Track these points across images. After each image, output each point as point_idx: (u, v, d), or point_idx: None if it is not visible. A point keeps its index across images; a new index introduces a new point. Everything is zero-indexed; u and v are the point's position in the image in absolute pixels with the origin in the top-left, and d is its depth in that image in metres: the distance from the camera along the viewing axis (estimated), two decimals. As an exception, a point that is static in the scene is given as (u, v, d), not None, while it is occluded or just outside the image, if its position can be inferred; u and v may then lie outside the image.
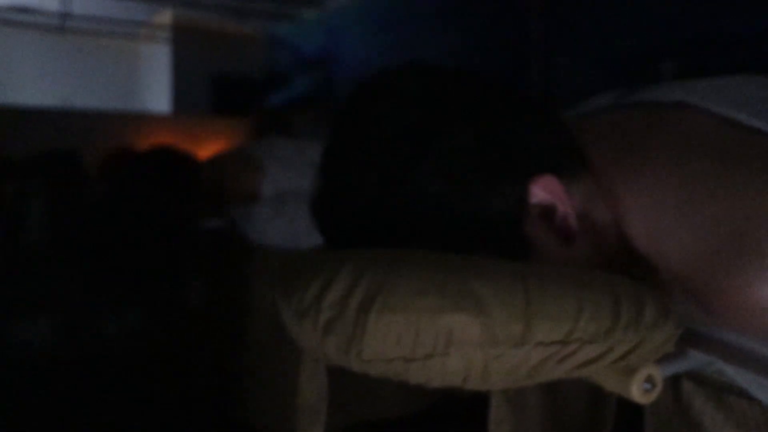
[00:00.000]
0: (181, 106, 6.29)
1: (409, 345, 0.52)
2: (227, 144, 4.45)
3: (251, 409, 2.32)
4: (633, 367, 0.56)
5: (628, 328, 0.54)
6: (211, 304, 2.66)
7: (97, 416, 2.51)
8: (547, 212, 0.64)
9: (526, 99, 0.69)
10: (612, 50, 2.82)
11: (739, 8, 2.31)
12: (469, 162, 0.62)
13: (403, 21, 4.32)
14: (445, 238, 0.62)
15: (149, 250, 2.41)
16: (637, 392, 0.56)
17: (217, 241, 2.43)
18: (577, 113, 0.82)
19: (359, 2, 4.92)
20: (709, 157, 0.65)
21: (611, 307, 0.54)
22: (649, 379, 0.57)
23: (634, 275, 0.67)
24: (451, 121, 0.63)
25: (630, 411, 0.75)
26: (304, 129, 3.50)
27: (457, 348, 0.52)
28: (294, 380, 0.70)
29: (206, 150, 3.96)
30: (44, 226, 3.21)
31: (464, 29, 3.74)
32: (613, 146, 0.71)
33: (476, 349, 0.52)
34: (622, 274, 0.61)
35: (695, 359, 0.61)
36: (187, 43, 6.35)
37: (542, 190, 0.64)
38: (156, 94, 6.82)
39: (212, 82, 6.36)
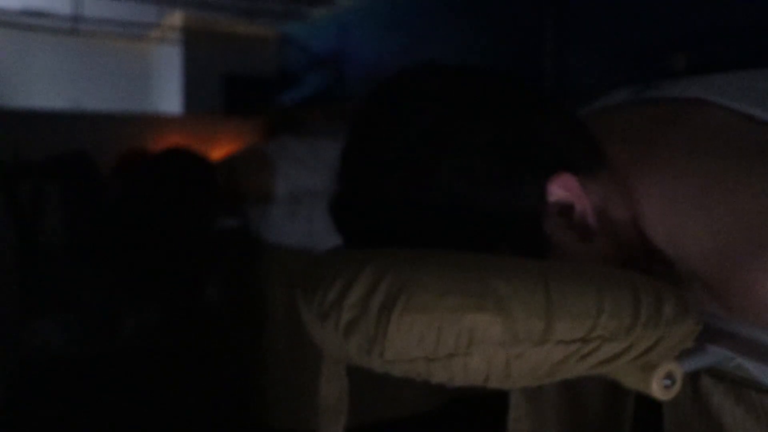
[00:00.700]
0: (192, 106, 6.30)
1: (431, 345, 0.52)
2: (240, 144, 4.45)
3: (270, 408, 2.32)
4: (653, 363, 0.56)
5: (648, 325, 0.54)
6: (228, 303, 2.67)
7: (114, 415, 2.53)
8: (566, 210, 0.65)
9: (543, 96, 0.69)
10: (623, 44, 2.81)
11: (750, 1, 2.30)
12: (488, 161, 0.62)
13: (413, 19, 4.32)
14: (465, 237, 0.62)
15: (165, 250, 2.42)
16: (658, 389, 0.56)
17: (232, 240, 2.44)
18: (593, 110, 0.82)
19: (370, 2, 4.92)
20: (725, 153, 0.65)
21: (631, 304, 0.54)
22: (669, 376, 0.57)
23: (653, 271, 0.67)
24: (470, 121, 0.63)
25: (648, 407, 0.75)
26: (316, 128, 3.49)
27: (479, 347, 0.52)
28: (312, 379, 0.70)
29: (219, 150, 3.97)
30: (60, 227, 3.24)
31: (475, 26, 3.73)
32: (630, 143, 0.71)
33: (498, 348, 0.52)
34: (641, 270, 0.61)
35: (715, 355, 0.61)
36: (198, 44, 6.36)
37: (560, 189, 0.64)
38: (168, 95, 6.84)
39: (224, 82, 6.37)
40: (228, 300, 2.67)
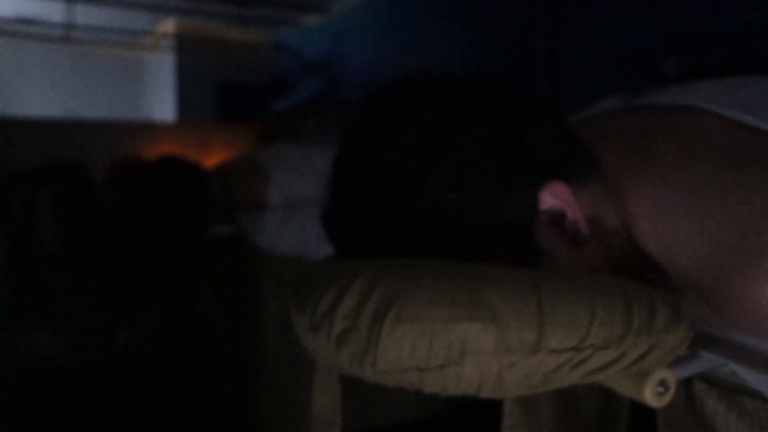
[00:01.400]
0: (186, 114, 6.28)
1: (423, 355, 0.52)
2: (234, 151, 4.45)
3: (263, 417, 2.31)
4: (646, 371, 0.57)
5: (641, 333, 0.54)
6: (222, 311, 2.66)
7: (109, 423, 2.52)
8: (557, 218, 0.65)
9: (535, 103, 0.69)
10: (615, 48, 2.82)
11: (743, 3, 2.31)
12: (480, 170, 0.62)
13: (406, 25, 4.32)
14: (457, 246, 0.62)
15: (159, 257, 2.42)
16: (651, 396, 0.56)
17: (226, 248, 2.44)
18: (585, 116, 0.82)
19: (362, 7, 4.92)
20: (717, 160, 0.65)
21: (623, 313, 0.54)
22: (663, 383, 0.57)
23: (645, 278, 0.67)
24: (462, 130, 0.63)
25: (643, 413, 0.75)
26: (310, 134, 3.50)
27: (471, 357, 0.52)
28: (306, 388, 0.70)
29: (213, 157, 3.96)
30: (53, 236, 3.23)
31: (469, 32, 3.73)
32: (621, 150, 0.71)
33: (490, 358, 0.52)
34: (633, 277, 0.61)
35: (708, 361, 0.61)
36: (191, 52, 6.35)
37: (552, 197, 0.64)
38: (161, 103, 6.82)
39: (217, 89, 6.36)
40: (221, 307, 2.66)
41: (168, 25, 6.42)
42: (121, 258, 2.68)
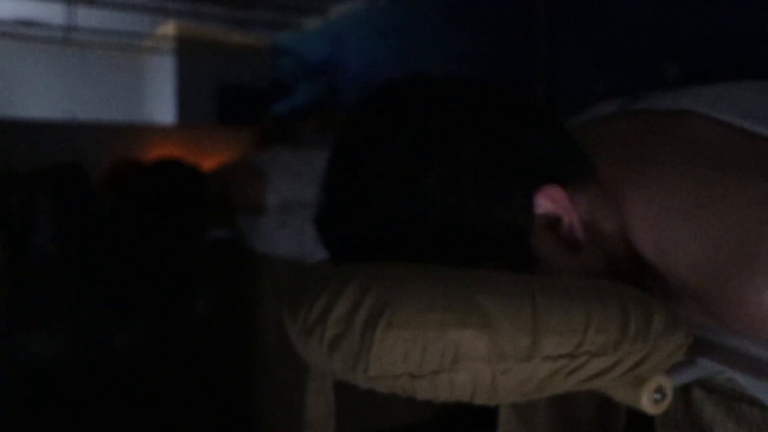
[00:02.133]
0: (186, 116, 6.29)
1: (416, 361, 0.51)
2: (233, 154, 4.45)
3: (260, 420, 2.31)
4: (643, 377, 0.56)
5: (637, 339, 0.54)
6: (219, 314, 2.66)
7: (106, 426, 2.51)
8: (553, 223, 0.64)
9: (532, 107, 0.69)
10: (614, 53, 2.82)
11: (742, 9, 2.31)
12: (475, 174, 0.61)
13: (406, 28, 4.32)
14: (451, 251, 0.61)
15: (157, 260, 2.41)
16: (648, 403, 0.56)
17: (224, 251, 2.43)
18: (582, 120, 0.82)
19: (362, 11, 4.92)
20: (715, 165, 0.64)
21: (619, 319, 0.54)
22: (659, 390, 0.56)
23: (642, 284, 0.66)
24: (457, 133, 0.63)
25: (640, 420, 0.74)
26: (309, 137, 3.50)
27: (465, 363, 0.51)
28: (301, 392, 0.70)
29: (212, 160, 3.96)
30: (51, 238, 3.22)
31: (468, 36, 3.73)
32: (618, 154, 0.70)
33: (484, 365, 0.51)
34: (630, 283, 0.61)
35: (705, 367, 0.61)
36: (191, 54, 6.36)
37: (547, 201, 0.63)
38: (161, 106, 6.83)
39: (217, 92, 6.36)
40: (219, 310, 2.66)
41: (168, 28, 6.43)
42: (118, 260, 2.68)
